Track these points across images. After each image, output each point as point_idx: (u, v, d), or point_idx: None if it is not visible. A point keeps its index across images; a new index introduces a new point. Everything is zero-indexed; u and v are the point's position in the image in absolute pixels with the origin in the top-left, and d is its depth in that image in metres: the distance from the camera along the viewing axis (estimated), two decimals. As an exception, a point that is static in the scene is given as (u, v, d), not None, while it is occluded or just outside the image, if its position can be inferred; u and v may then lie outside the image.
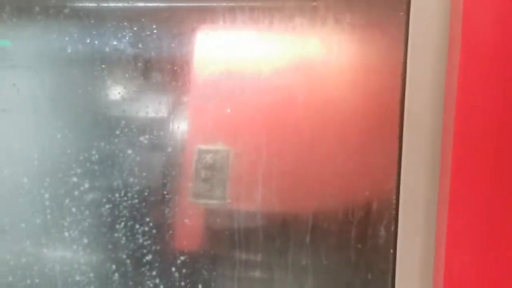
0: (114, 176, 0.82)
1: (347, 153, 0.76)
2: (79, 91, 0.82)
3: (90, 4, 0.82)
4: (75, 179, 0.83)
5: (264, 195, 0.78)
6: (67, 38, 0.82)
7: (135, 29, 0.80)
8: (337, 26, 0.75)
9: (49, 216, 0.84)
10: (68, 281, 0.85)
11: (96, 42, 0.81)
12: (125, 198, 0.82)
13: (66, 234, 0.84)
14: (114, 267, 0.83)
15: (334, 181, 0.77)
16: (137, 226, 0.82)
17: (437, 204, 0.68)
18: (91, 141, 0.82)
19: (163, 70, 0.80)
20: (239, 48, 0.79)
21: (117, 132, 0.81)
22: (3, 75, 0.84)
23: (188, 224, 0.81)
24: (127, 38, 0.80)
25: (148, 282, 0.82)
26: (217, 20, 0.78)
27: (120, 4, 0.81)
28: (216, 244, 0.81)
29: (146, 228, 0.82)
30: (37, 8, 0.82)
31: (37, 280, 0.86)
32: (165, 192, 0.81)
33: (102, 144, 0.82)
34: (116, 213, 0.82)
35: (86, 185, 0.83)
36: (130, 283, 0.83)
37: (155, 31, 0.80)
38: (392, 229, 0.74)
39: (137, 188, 0.82)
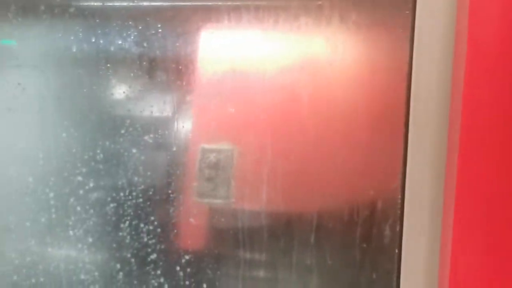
0: (119, 175, 0.82)
1: (352, 152, 0.75)
2: (84, 90, 0.83)
3: (95, 3, 0.82)
4: (80, 178, 0.83)
5: (269, 195, 0.78)
6: (72, 37, 0.82)
7: (140, 28, 0.80)
8: (342, 25, 0.75)
9: (54, 215, 0.84)
10: (72, 280, 0.85)
11: (101, 41, 0.82)
12: (130, 197, 0.82)
13: (71, 233, 0.84)
14: (118, 266, 0.83)
15: (339, 180, 0.76)
16: (142, 225, 0.82)
17: (443, 204, 0.68)
18: (96, 140, 0.82)
19: (168, 69, 0.80)
20: (244, 47, 0.79)
21: (122, 131, 0.82)
22: (9, 74, 0.84)
23: (193, 223, 0.81)
24: (132, 37, 0.80)
25: (153, 281, 0.82)
26: (222, 19, 0.78)
27: (125, 3, 0.82)
28: (220, 244, 0.81)
29: (151, 227, 0.82)
30: (42, 7, 0.83)
31: (42, 279, 0.86)
32: (169, 191, 0.81)
33: (107, 143, 0.82)
34: (121, 212, 0.82)
35: (91, 184, 0.83)
36: (135, 282, 0.83)
37: (160, 30, 0.80)
38: (397, 228, 0.74)
39: (142, 187, 0.82)
